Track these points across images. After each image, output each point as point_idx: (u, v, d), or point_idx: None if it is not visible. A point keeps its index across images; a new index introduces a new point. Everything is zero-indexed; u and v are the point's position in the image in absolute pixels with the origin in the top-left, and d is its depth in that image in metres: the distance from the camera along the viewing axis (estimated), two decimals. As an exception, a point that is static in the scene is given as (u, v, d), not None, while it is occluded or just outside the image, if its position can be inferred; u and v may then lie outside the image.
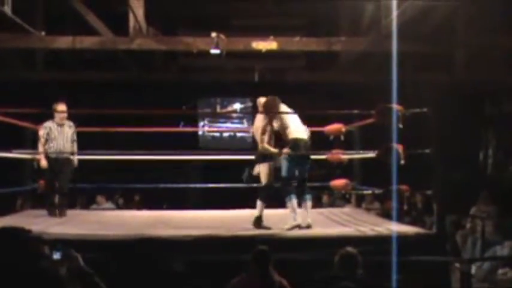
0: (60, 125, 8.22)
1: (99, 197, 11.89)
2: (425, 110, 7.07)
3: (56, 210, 8.13)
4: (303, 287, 4.81)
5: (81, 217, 8.28)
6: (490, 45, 10.32)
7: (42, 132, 8.19)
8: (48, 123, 8.21)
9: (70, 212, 8.51)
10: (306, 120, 9.71)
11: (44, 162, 8.14)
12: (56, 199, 8.33)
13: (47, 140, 8.15)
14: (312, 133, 7.81)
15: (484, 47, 10.45)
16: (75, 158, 8.35)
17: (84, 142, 8.57)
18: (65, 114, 8.26)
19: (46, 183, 8.30)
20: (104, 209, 11.13)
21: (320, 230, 6.99)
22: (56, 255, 3.87)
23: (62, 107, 8.23)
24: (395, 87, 7.05)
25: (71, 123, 8.39)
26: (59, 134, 8.17)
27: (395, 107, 7.02)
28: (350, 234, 6.66)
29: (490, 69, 11.02)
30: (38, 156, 8.28)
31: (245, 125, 16.31)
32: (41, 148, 8.18)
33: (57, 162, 8.14)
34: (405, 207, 8.17)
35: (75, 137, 8.36)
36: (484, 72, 11.10)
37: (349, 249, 5.04)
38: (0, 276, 3.31)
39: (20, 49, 11.57)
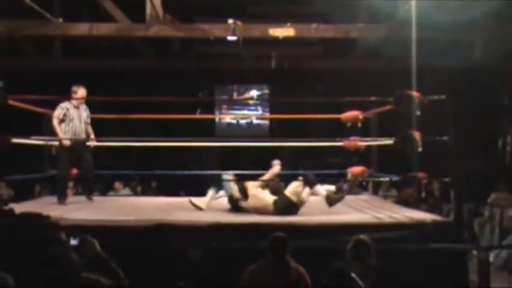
0: (76, 107, 8.19)
1: (116, 183, 11.92)
2: (443, 97, 7.00)
3: (66, 198, 8.10)
4: (320, 276, 4.79)
5: (99, 203, 8.28)
6: (510, 32, 10.20)
7: (58, 113, 8.09)
8: (65, 104, 8.13)
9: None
10: (323, 108, 9.68)
11: (67, 141, 8.04)
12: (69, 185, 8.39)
13: (62, 121, 8.10)
14: (329, 120, 7.76)
15: (504, 34, 10.34)
16: (93, 142, 8.33)
17: (101, 129, 8.57)
18: (83, 99, 8.23)
19: (61, 169, 8.20)
20: (121, 196, 11.15)
21: (337, 217, 6.96)
22: (73, 241, 3.87)
23: (82, 91, 8.18)
24: (414, 74, 6.99)
25: (86, 107, 8.35)
26: (75, 116, 8.14)
27: (413, 94, 6.96)
28: (367, 221, 6.61)
29: (510, 56, 10.90)
30: (58, 138, 8.20)
31: (262, 112, 16.28)
32: (57, 127, 8.10)
33: (75, 145, 8.09)
34: (422, 194, 8.12)
35: (89, 120, 8.35)
36: (503, 59, 10.98)
37: (362, 236, 5.01)
38: (14, 260, 3.32)
39: (38, 36, 11.60)
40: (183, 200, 8.44)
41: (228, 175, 7.58)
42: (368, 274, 4.74)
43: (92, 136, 8.37)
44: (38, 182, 11.25)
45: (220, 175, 7.75)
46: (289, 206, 7.14)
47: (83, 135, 8.25)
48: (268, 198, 7.22)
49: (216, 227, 6.30)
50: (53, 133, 8.20)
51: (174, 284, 5.57)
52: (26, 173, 9.11)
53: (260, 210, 7.15)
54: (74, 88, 8.18)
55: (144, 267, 5.49)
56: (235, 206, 7.39)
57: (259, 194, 7.28)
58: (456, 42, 10.77)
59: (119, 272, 3.83)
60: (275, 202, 7.15)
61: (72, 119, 8.11)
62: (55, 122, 8.10)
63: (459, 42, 10.78)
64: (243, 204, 7.32)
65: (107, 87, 13.48)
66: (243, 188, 7.34)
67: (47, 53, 13.50)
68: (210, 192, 7.63)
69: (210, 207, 7.53)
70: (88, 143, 8.27)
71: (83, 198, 8.47)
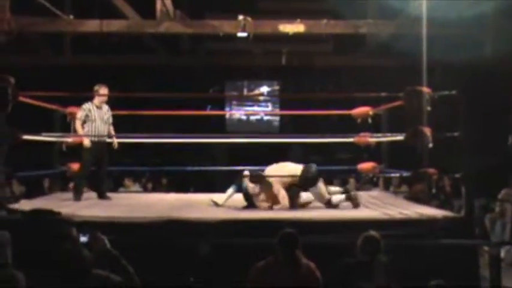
0: (99, 108, 8.17)
1: (126, 180, 11.93)
2: (454, 92, 6.97)
3: (81, 195, 8.11)
4: (330, 272, 4.78)
5: (109, 200, 8.29)
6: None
7: (80, 114, 8.09)
8: (87, 105, 8.11)
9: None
10: (334, 104, 9.66)
11: (87, 142, 8.00)
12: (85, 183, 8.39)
13: (84, 122, 8.10)
14: (340, 116, 7.74)
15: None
16: (115, 140, 8.30)
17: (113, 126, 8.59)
18: (105, 98, 8.20)
19: (82, 167, 8.21)
20: (131, 192, 11.17)
21: (347, 213, 6.95)
22: (83, 238, 3.88)
23: (104, 90, 8.14)
24: (424, 70, 6.97)
25: (108, 107, 8.31)
26: (97, 116, 8.13)
27: (423, 89, 6.94)
28: (378, 217, 6.60)
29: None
30: (77, 139, 8.22)
31: (272, 108, 16.28)
32: (80, 129, 8.10)
33: (98, 145, 8.09)
34: (433, 190, 8.09)
35: (111, 120, 8.33)
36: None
37: (373, 232, 5.00)
38: (26, 257, 3.33)
39: (48, 33, 11.63)
40: (194, 196, 8.45)
41: (245, 172, 7.57)
42: (378, 270, 4.73)
43: (114, 136, 8.34)
44: (47, 178, 11.27)
45: (236, 172, 7.74)
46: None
47: (105, 136, 8.22)
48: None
49: (226, 223, 6.30)
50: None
51: (184, 280, 5.57)
52: (37, 169, 9.14)
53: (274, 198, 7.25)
54: (96, 87, 8.15)
55: (155, 264, 5.50)
56: (249, 201, 7.40)
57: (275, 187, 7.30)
58: (466, 39, 10.71)
59: (129, 268, 3.83)
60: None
61: (94, 119, 8.07)
62: (78, 123, 8.12)
63: (470, 38, 10.71)
64: (258, 197, 7.36)
65: (117, 84, 13.48)
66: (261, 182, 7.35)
67: (57, 49, 13.54)
68: (230, 190, 7.62)
69: (225, 204, 7.54)
70: (110, 142, 8.26)
71: (93, 194, 8.48)
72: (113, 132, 8.35)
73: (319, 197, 7.37)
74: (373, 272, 4.69)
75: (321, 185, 7.39)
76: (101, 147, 8.16)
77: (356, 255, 4.92)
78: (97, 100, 8.14)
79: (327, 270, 4.81)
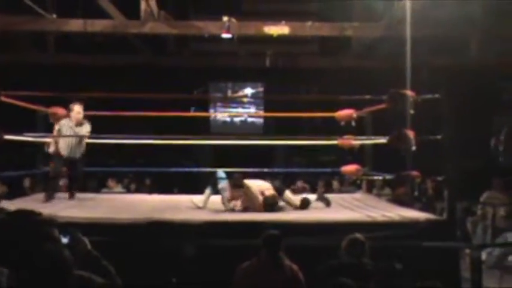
0: (77, 125, 8.15)
1: (110, 180, 11.89)
2: (437, 95, 7.00)
3: (54, 195, 8.11)
4: (313, 274, 4.79)
5: (92, 201, 8.26)
6: (505, 29, 10.21)
7: (56, 128, 8.19)
8: (64, 122, 8.12)
9: (80, 196, 8.51)
10: (318, 106, 9.67)
11: (52, 148, 8.14)
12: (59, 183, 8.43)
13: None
14: (324, 118, 7.78)
15: (500, 31, 10.34)
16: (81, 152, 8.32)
17: (95, 126, 8.55)
18: (80, 116, 8.17)
19: (53, 168, 8.25)
20: (114, 193, 11.13)
21: (330, 215, 6.96)
22: (65, 239, 3.85)
23: (77, 108, 8.14)
24: (409, 73, 7.00)
25: (87, 124, 8.27)
26: (71, 133, 8.10)
27: (407, 92, 6.96)
28: (360, 220, 6.61)
29: (505, 54, 10.91)
30: (48, 140, 8.27)
31: (256, 110, 16.30)
32: (51, 138, 8.18)
33: (67, 158, 8.18)
34: (416, 193, 8.12)
35: (87, 135, 8.28)
36: (499, 57, 10.99)
37: (357, 235, 5.02)
38: (8, 257, 3.30)
39: (32, 32, 11.56)
40: (177, 198, 8.42)
41: (221, 173, 7.58)
42: (362, 272, 4.75)
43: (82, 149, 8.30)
44: (28, 178, 11.21)
45: (214, 173, 7.74)
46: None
47: (77, 150, 8.20)
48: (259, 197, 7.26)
49: (210, 224, 6.29)
50: None
51: (166, 281, 5.56)
52: (19, 169, 9.09)
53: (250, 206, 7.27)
54: (71, 105, 8.15)
55: (137, 265, 5.48)
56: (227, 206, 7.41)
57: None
58: (452, 40, 10.76)
59: (111, 269, 3.81)
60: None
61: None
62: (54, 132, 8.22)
63: (455, 40, 10.77)
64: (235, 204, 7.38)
65: (101, 84, 13.48)
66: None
67: (40, 48, 13.46)
68: (207, 191, 7.63)
69: (207, 206, 7.54)
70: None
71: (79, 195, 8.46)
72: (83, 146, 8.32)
73: (289, 202, 7.46)
74: (357, 274, 4.70)
75: (287, 192, 7.60)
76: (71, 158, 8.21)
77: (340, 258, 4.93)
78: (73, 118, 8.14)
79: (311, 273, 4.82)
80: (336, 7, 11.64)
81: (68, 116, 8.15)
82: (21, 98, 8.15)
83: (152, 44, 13.57)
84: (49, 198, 7.97)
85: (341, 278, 4.02)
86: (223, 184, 7.38)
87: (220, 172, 7.63)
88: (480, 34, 10.61)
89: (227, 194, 7.35)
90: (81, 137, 8.16)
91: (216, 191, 7.52)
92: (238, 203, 7.35)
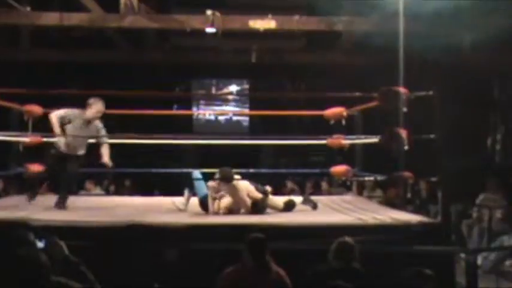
0: (88, 122, 7.74)
1: (88, 182, 11.85)
2: (430, 93, 7.05)
3: (35, 197, 7.94)
4: (301, 280, 4.81)
5: (69, 203, 8.23)
6: (498, 26, 10.27)
7: (60, 112, 7.64)
8: (75, 112, 7.69)
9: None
10: (306, 104, 9.69)
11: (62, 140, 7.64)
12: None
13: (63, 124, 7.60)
14: (312, 117, 7.80)
15: (492, 28, 10.40)
16: (106, 160, 7.91)
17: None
18: (99, 115, 7.80)
19: (47, 169, 7.97)
20: (93, 195, 11.09)
21: (319, 218, 6.99)
22: (40, 243, 3.85)
23: (98, 106, 7.73)
24: (401, 69, 7.03)
25: (101, 125, 7.89)
26: (76, 128, 7.66)
27: (399, 89, 7.00)
28: (350, 223, 6.64)
29: (499, 51, 10.98)
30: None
31: (241, 108, 16.30)
32: (56, 125, 7.49)
33: (65, 156, 7.73)
34: (409, 195, 8.16)
35: (103, 141, 7.89)
36: (493, 54, 11.06)
37: (347, 239, 5.04)
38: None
39: (4, 25, 11.49)
40: (159, 200, 8.42)
41: (197, 174, 7.61)
42: (351, 277, 4.76)
43: (106, 159, 7.85)
44: (1, 179, 11.15)
45: (190, 174, 7.74)
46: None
47: (79, 148, 7.79)
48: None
49: (193, 228, 6.30)
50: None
51: (148, 286, 5.56)
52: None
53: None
54: (92, 100, 7.75)
55: (117, 270, 5.48)
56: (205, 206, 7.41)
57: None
58: (445, 36, 10.81)
59: (89, 275, 3.81)
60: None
61: (71, 129, 7.65)
62: (54, 118, 7.57)
63: (448, 35, 10.82)
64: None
65: (77, 80, 13.45)
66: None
67: (14, 43, 13.40)
68: (186, 193, 7.63)
69: (188, 208, 7.55)
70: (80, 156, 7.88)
71: (51, 197, 8.41)
72: (105, 152, 7.90)
73: (272, 205, 7.53)
74: (346, 279, 4.72)
75: (270, 195, 7.62)
76: (67, 158, 7.74)
77: (329, 262, 4.95)
78: (89, 113, 7.71)
79: (298, 278, 4.83)
80: (325, 0, 11.67)
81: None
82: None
83: (132, 39, 13.54)
84: (31, 198, 7.85)
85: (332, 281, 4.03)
86: (209, 183, 7.38)
87: (196, 172, 7.64)
88: (473, 29, 10.66)
89: (211, 193, 7.34)
90: (94, 137, 7.80)
91: (194, 193, 7.54)
92: (222, 203, 7.34)
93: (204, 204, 7.39)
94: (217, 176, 7.32)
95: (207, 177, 7.58)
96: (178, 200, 7.59)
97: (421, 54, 10.19)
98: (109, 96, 9.35)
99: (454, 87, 9.63)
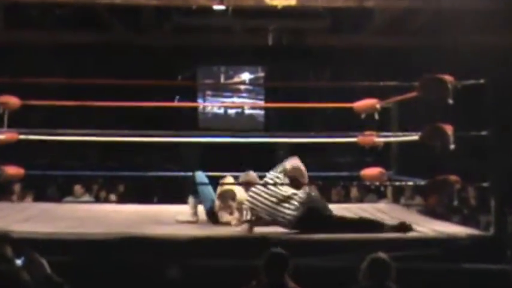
0: None
1: (76, 187, 11.84)
2: (482, 81, 6.99)
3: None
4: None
5: (53, 212, 8.25)
6: None
7: None
8: None
9: (39, 206, 8.50)
10: (332, 94, 9.66)
11: None
12: None
13: None
14: (340, 110, 7.75)
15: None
16: None
17: (56, 119, 8.55)
18: None
19: None
20: (81, 202, 11.12)
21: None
22: (19, 261, 3.85)
23: None
24: (445, 54, 6.99)
25: None
26: None
27: (445, 77, 6.95)
28: (384, 236, 6.61)
29: None
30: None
31: (255, 100, 16.30)
32: None
33: None
34: (455, 202, 8.12)
35: None
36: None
37: (381, 255, 5.01)
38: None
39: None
40: (158, 208, 8.43)
41: (202, 177, 7.58)
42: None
43: None
44: None
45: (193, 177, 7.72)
46: None
47: None
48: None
49: (199, 241, 6.29)
50: None
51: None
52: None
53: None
54: None
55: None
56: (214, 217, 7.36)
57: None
58: (500, 14, 10.74)
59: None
60: None
61: None
62: None
63: (504, 13, 10.75)
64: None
65: (62, 67, 13.47)
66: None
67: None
68: (191, 201, 7.60)
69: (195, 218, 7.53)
70: None
71: (32, 205, 8.44)
72: None
73: None
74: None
75: None
76: None
77: (360, 282, 4.93)
78: None
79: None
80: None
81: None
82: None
83: (126, 18, 13.57)
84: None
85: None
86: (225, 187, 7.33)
87: (201, 175, 7.61)
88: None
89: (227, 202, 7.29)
90: None
91: (199, 199, 7.51)
92: (234, 216, 7.29)
93: (212, 214, 7.36)
94: (240, 180, 7.29)
95: (213, 182, 7.56)
96: (183, 214, 7.55)
97: (471, 35, 10.15)
98: (99, 85, 9.37)
99: (510, 74, 9.57)
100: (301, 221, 6.62)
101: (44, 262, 4.01)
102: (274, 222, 6.72)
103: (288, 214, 6.63)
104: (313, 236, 6.57)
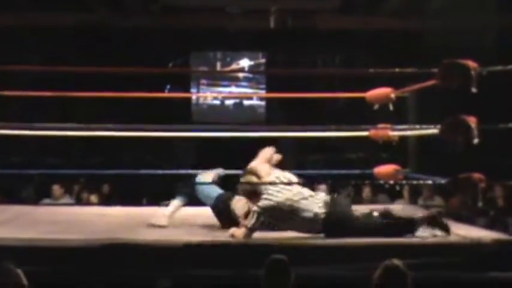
0: None
1: (55, 187, 11.84)
2: (510, 67, 6.99)
3: None
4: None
5: (30, 215, 8.27)
6: None
7: None
8: None
9: (14, 209, 8.52)
10: (341, 83, 9.66)
11: None
12: None
13: None
14: (351, 100, 7.75)
15: None
16: None
17: (34, 112, 8.56)
18: None
19: None
20: (60, 205, 11.13)
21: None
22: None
23: None
24: (468, 37, 6.99)
25: None
26: None
27: (468, 63, 6.95)
28: (402, 241, 6.62)
29: None
30: None
31: (256, 89, 16.32)
32: None
33: None
34: (480, 204, 8.13)
35: None
36: None
37: (396, 262, 5.02)
38: None
39: None
40: (147, 211, 8.43)
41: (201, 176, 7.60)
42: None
43: None
44: None
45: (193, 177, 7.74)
46: None
47: None
48: None
49: (194, 247, 6.30)
50: None
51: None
52: None
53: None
54: None
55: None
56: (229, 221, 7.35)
57: None
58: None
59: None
60: None
61: None
62: None
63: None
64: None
65: (41, 52, 13.48)
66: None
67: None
68: (175, 202, 7.62)
69: (183, 222, 7.54)
70: None
71: (5, 208, 8.46)
72: None
73: None
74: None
75: None
76: None
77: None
78: None
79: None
80: None
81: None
82: None
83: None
84: None
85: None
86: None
87: (204, 177, 7.62)
88: None
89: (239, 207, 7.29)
90: None
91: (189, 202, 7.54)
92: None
93: (221, 213, 7.37)
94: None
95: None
96: (159, 215, 7.55)
97: (497, 15, 10.16)
98: (80, 73, 9.39)
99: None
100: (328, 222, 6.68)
101: (20, 272, 4.02)
102: (288, 225, 6.77)
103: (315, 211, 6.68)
104: (318, 241, 6.60)
